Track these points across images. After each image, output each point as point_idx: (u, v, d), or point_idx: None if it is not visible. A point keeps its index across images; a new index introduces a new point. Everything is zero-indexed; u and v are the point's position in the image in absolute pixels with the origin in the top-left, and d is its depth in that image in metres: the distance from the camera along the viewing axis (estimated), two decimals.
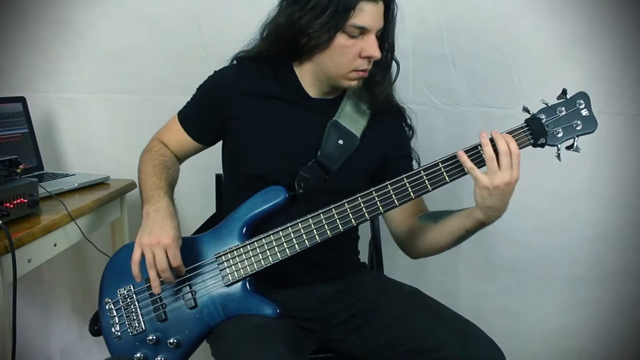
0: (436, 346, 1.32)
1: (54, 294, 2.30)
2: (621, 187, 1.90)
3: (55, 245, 1.55)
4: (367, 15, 1.32)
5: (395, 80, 1.49)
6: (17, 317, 1.41)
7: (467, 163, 1.26)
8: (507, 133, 1.27)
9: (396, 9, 1.39)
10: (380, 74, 1.44)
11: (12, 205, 1.41)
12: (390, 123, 1.53)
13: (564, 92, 1.28)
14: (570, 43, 1.85)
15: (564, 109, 1.28)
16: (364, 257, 1.71)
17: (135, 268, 1.32)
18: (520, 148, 1.27)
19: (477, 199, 1.27)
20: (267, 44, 1.45)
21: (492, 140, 1.25)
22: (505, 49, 1.89)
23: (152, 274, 1.32)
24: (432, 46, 1.95)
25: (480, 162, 1.27)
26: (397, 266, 1.99)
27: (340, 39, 1.34)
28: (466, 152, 1.28)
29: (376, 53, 1.35)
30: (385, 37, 1.41)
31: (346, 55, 1.36)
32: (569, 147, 1.29)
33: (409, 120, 1.56)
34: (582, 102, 1.28)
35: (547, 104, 1.29)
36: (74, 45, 2.09)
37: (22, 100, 1.97)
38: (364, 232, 1.73)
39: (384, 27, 1.38)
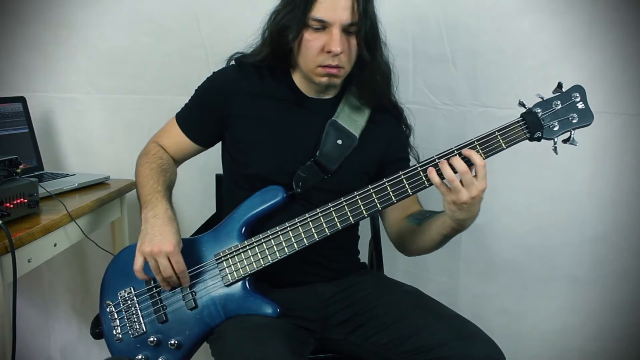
0: (436, 346, 1.32)
1: (54, 294, 2.30)
2: (621, 187, 1.90)
3: (55, 245, 1.55)
4: (326, 8, 1.33)
5: (384, 75, 1.48)
6: (17, 317, 1.41)
7: (435, 179, 1.26)
8: (503, 127, 1.27)
9: (363, 3, 1.35)
10: (362, 70, 1.44)
11: (12, 205, 1.41)
12: (388, 124, 1.53)
13: (560, 85, 1.28)
14: (570, 43, 1.84)
15: (559, 102, 1.28)
16: (364, 257, 1.71)
17: (141, 275, 1.34)
18: (516, 142, 1.28)
19: (447, 212, 1.28)
20: (264, 50, 1.46)
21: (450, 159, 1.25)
22: (505, 49, 1.89)
23: (159, 278, 1.34)
24: (432, 46, 1.94)
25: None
26: (397, 266, 1.99)
27: (306, 34, 1.36)
28: (443, 156, 1.27)
29: (335, 47, 1.34)
30: (358, 32, 1.37)
31: (310, 50, 1.36)
32: (565, 141, 1.29)
33: (406, 120, 1.56)
34: (577, 95, 1.28)
35: (542, 98, 1.29)
36: (73, 45, 2.09)
37: (22, 100, 1.97)
38: (364, 232, 1.73)
39: (357, 23, 1.36)
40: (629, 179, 1.89)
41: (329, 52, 1.35)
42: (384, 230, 1.58)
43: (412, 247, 1.48)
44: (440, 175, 1.26)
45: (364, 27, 1.37)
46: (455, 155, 1.25)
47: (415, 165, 1.31)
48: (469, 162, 1.24)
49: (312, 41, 1.35)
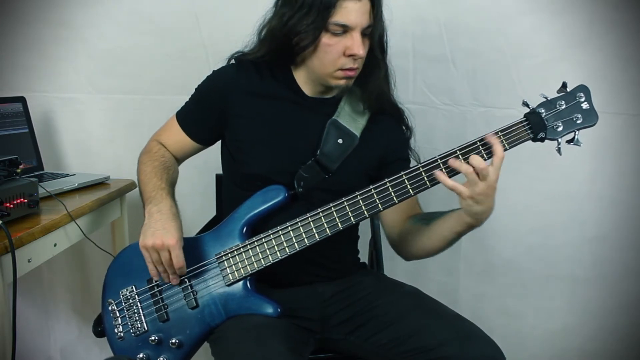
0: (436, 346, 1.32)
1: (54, 294, 2.30)
2: (621, 187, 1.90)
3: (55, 245, 1.55)
4: (348, 13, 1.32)
5: (388, 79, 1.48)
6: (17, 317, 1.41)
7: (448, 182, 1.25)
8: (506, 127, 1.27)
9: (378, 6, 1.38)
10: (372, 72, 1.44)
11: (12, 205, 1.41)
12: (389, 124, 1.52)
13: (564, 85, 1.28)
14: (570, 43, 1.85)
15: (563, 102, 1.27)
16: (364, 257, 1.71)
17: (152, 267, 1.35)
18: (519, 143, 1.27)
19: (464, 208, 1.28)
20: (264, 48, 1.45)
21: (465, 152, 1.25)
22: (505, 48, 1.89)
23: (160, 269, 1.34)
24: (432, 46, 1.95)
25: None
26: (397, 266, 1.98)
27: (325, 38, 1.35)
28: (446, 156, 1.27)
29: (359, 51, 1.34)
30: (374, 35, 1.39)
31: (330, 54, 1.36)
32: (569, 141, 1.28)
33: (407, 121, 1.55)
34: (582, 95, 1.27)
35: (546, 98, 1.28)
36: (73, 45, 2.10)
37: (22, 100, 1.97)
38: (364, 232, 1.73)
39: (372, 25, 1.37)
40: (629, 179, 1.89)
41: (350, 55, 1.35)
42: (383, 231, 1.57)
43: (415, 249, 1.46)
44: (450, 173, 1.26)
45: (378, 29, 1.38)
46: (472, 152, 1.24)
47: (417, 165, 1.31)
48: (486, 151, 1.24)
49: (333, 45, 1.35)
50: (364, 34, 1.36)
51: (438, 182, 1.30)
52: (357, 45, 1.34)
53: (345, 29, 1.34)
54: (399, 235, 1.51)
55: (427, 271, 2.10)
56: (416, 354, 1.35)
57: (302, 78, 1.47)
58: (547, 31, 1.86)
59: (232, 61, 1.52)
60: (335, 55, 1.36)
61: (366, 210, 1.33)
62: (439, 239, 1.39)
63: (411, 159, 1.55)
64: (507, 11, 1.88)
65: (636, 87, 1.83)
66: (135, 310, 1.42)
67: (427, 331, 1.35)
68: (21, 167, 1.51)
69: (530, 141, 1.28)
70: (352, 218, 1.33)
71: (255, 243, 1.38)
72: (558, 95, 1.28)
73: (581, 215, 1.95)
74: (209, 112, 1.50)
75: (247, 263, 1.38)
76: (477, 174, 1.22)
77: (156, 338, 1.38)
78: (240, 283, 1.38)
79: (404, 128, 1.55)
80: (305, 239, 1.35)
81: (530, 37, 1.88)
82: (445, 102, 1.99)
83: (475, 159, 1.23)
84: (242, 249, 1.38)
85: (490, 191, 1.24)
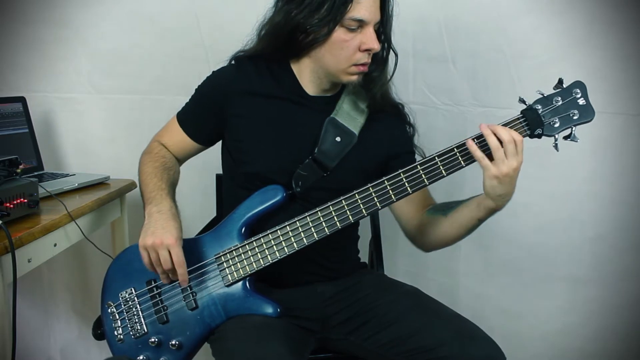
0: (436, 346, 1.32)
1: (54, 294, 2.30)
2: (621, 187, 1.90)
3: (55, 245, 1.55)
4: (365, 8, 1.33)
5: (393, 74, 1.49)
6: (17, 317, 1.41)
7: (477, 152, 1.25)
8: (503, 124, 1.27)
9: (392, 1, 1.39)
10: (377, 69, 1.44)
11: (12, 205, 1.41)
12: (389, 121, 1.52)
13: (560, 81, 1.28)
14: (570, 43, 1.84)
15: (560, 98, 1.27)
16: (364, 257, 1.71)
17: (151, 269, 1.34)
18: None
19: (488, 189, 1.27)
20: (265, 42, 1.45)
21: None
22: (505, 48, 1.89)
23: (159, 270, 1.34)
24: (432, 46, 1.95)
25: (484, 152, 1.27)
26: (397, 266, 1.99)
27: (339, 33, 1.35)
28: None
29: (376, 45, 1.35)
30: (382, 30, 1.41)
31: (346, 49, 1.36)
32: (566, 137, 1.28)
33: (408, 118, 1.55)
34: (578, 91, 1.27)
35: (543, 94, 1.28)
36: (73, 45, 2.10)
37: (22, 100, 1.97)
38: (364, 231, 1.73)
39: (381, 20, 1.38)
40: (629, 179, 1.89)
41: (366, 50, 1.35)
42: (387, 229, 1.57)
43: (435, 240, 1.46)
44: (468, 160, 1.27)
45: (388, 24, 1.40)
46: (500, 125, 1.25)
47: (414, 164, 1.31)
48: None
49: (349, 41, 1.35)
50: (374, 28, 1.37)
51: (435, 180, 1.30)
52: (372, 40, 1.34)
53: (361, 24, 1.34)
54: (416, 228, 1.50)
55: (427, 271, 2.10)
56: (416, 354, 1.35)
57: (305, 75, 1.46)
58: (547, 31, 1.86)
59: (232, 61, 1.52)
60: (350, 51, 1.36)
61: (364, 208, 1.33)
62: (460, 227, 1.39)
63: (417, 154, 1.55)
64: (507, 11, 1.88)
65: (636, 87, 1.83)
66: (135, 313, 1.42)
67: (427, 331, 1.35)
68: (21, 167, 1.51)
69: (527, 138, 1.28)
70: (350, 217, 1.33)
71: (254, 243, 1.38)
72: (554, 91, 1.28)
73: (581, 215, 1.94)
74: (209, 112, 1.50)
75: (246, 263, 1.38)
76: (505, 152, 1.23)
77: (156, 340, 1.38)
78: (240, 283, 1.38)
79: (404, 124, 1.55)
80: (304, 238, 1.35)
81: (530, 37, 1.87)
82: (445, 102, 1.99)
83: (502, 131, 1.23)
84: (240, 249, 1.38)
85: (515, 174, 1.25)
